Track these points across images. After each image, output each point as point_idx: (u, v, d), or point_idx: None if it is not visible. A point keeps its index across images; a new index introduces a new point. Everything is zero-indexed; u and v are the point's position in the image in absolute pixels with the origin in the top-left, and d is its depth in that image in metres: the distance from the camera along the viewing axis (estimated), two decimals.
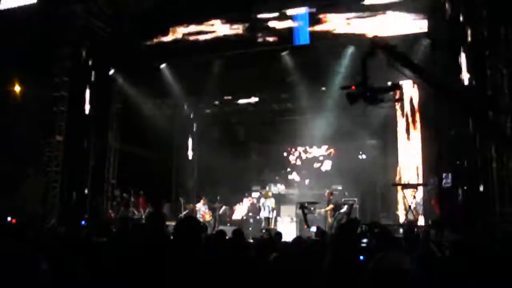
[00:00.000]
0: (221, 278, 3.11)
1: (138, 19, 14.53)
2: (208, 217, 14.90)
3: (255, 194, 16.73)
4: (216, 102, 17.83)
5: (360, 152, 16.63)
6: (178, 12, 13.85)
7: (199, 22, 14.16)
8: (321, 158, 17.95)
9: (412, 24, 12.05)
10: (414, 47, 11.87)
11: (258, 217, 15.37)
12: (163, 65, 15.34)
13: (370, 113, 14.16)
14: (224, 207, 15.74)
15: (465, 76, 10.59)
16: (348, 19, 12.56)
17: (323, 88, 15.13)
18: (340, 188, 15.87)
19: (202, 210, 15.03)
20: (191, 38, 14.29)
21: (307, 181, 17.83)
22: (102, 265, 3.62)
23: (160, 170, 17.31)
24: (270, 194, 15.36)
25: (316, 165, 17.97)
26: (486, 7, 10.32)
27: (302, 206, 13.55)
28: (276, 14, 13.38)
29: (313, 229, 10.90)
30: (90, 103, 15.02)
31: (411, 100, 14.32)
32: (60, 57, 14.42)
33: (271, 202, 14.92)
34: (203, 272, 2.81)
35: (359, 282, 1.73)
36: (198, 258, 2.87)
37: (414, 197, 12.31)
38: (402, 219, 13.38)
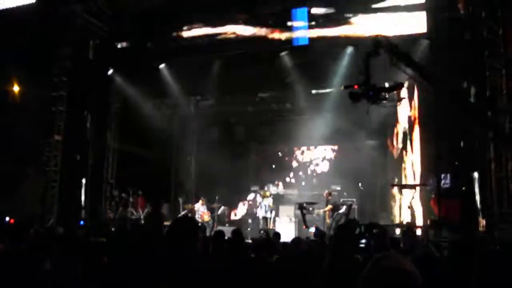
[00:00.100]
0: (221, 278, 3.11)
1: (138, 19, 14.52)
2: (206, 218, 14.89)
3: (251, 197, 16.76)
4: (215, 102, 17.82)
5: (359, 153, 16.61)
6: (178, 12, 13.84)
7: (199, 22, 14.15)
8: (320, 158, 17.95)
9: (412, 24, 12.05)
10: (413, 47, 11.87)
11: (255, 217, 15.37)
12: (162, 65, 15.34)
13: (369, 113, 14.23)
14: (222, 208, 15.74)
15: (465, 76, 10.61)
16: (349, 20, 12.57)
17: (323, 90, 15.14)
18: (339, 188, 15.87)
19: (201, 211, 15.01)
20: (190, 38, 14.28)
21: (305, 182, 17.83)
22: (100, 265, 3.62)
23: (159, 170, 17.29)
24: (268, 193, 15.36)
25: (315, 165, 17.98)
26: (486, 7, 10.33)
27: (301, 207, 13.56)
28: (276, 14, 13.37)
29: (312, 229, 10.92)
30: (89, 103, 15.02)
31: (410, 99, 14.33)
32: (59, 57, 14.41)
33: (268, 202, 14.93)
34: (201, 272, 2.81)
35: (357, 283, 1.73)
36: (195, 258, 2.86)
37: (413, 197, 12.33)
38: (401, 219, 13.39)
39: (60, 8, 14.09)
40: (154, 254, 2.98)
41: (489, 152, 10.03)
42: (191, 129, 18.68)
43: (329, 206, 13.62)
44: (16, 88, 14.57)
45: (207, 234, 11.74)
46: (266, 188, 16.11)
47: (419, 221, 12.35)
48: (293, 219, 14.42)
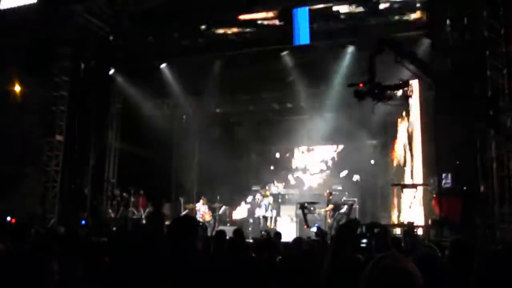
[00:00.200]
0: (221, 278, 3.10)
1: (138, 19, 14.52)
2: (208, 217, 14.88)
3: (250, 199, 16.77)
4: (216, 102, 17.81)
5: (360, 152, 16.59)
6: (178, 12, 13.83)
7: (199, 22, 14.15)
8: (321, 158, 17.94)
9: (412, 24, 12.06)
10: (415, 46, 11.86)
11: (256, 216, 15.38)
12: (163, 65, 15.35)
13: (370, 113, 14.23)
14: (224, 207, 15.73)
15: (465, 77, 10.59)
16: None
17: (323, 88, 15.13)
18: (340, 188, 15.87)
19: (202, 210, 15.00)
20: (191, 38, 14.28)
21: (306, 181, 17.83)
22: (102, 265, 3.61)
23: (160, 169, 17.30)
24: (268, 193, 15.36)
25: (316, 165, 17.96)
26: (487, 6, 10.31)
27: (302, 206, 13.54)
28: (276, 14, 13.36)
29: (314, 229, 10.91)
30: (90, 102, 15.02)
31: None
32: (60, 57, 14.41)
33: (268, 201, 14.93)
34: (202, 272, 2.81)
35: (358, 282, 1.72)
36: (195, 257, 2.86)
37: (414, 197, 12.31)
38: (402, 219, 13.38)
39: (61, 8, 14.09)
40: (155, 254, 2.97)
41: (491, 151, 10.02)
42: (192, 128, 18.67)
43: (330, 206, 13.60)
44: (17, 88, 14.58)
45: (208, 233, 11.73)
46: (267, 188, 16.11)
47: (420, 221, 12.34)
48: (294, 219, 14.41)
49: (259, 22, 13.65)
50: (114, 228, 11.88)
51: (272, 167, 18.17)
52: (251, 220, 15.83)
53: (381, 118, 14.59)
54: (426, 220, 12.06)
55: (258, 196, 15.89)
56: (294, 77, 14.96)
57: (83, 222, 13.68)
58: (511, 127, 9.31)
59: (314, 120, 16.31)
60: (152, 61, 15.28)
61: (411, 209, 12.35)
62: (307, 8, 12.85)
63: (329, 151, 17.76)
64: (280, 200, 16.59)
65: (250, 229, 14.86)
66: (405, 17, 12.33)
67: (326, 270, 2.98)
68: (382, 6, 12.34)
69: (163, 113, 17.40)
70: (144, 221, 13.88)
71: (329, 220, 13.43)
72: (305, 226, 13.12)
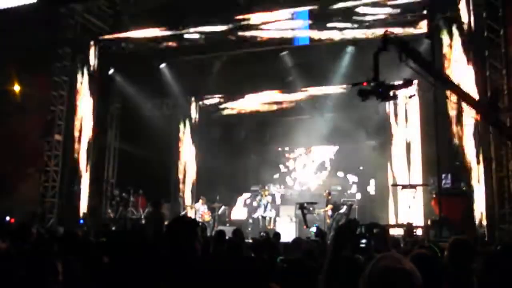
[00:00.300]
0: (221, 278, 3.10)
1: (138, 19, 14.52)
2: (207, 217, 14.86)
3: (249, 199, 16.77)
4: (216, 102, 17.82)
5: (360, 153, 16.58)
6: (178, 12, 13.84)
7: (199, 22, 14.15)
8: (320, 158, 17.93)
9: (412, 24, 12.06)
10: (414, 47, 11.86)
11: (255, 216, 15.39)
12: (162, 65, 15.35)
13: (373, 112, 14.24)
14: (223, 207, 15.71)
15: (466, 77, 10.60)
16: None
17: (323, 89, 15.14)
18: (339, 188, 15.85)
19: (201, 210, 14.98)
20: (191, 38, 14.27)
21: (306, 181, 17.82)
22: (101, 265, 3.61)
23: (159, 169, 17.28)
24: (267, 193, 15.36)
25: (315, 165, 17.96)
26: (487, 6, 10.32)
27: (301, 207, 13.54)
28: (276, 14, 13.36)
29: (313, 229, 10.90)
30: (90, 102, 15.02)
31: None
32: (59, 57, 14.42)
33: (267, 201, 14.93)
34: (201, 272, 2.81)
35: (358, 283, 1.72)
36: (194, 257, 2.86)
37: (414, 197, 12.31)
38: (401, 219, 13.36)
39: (61, 7, 14.11)
40: (154, 254, 2.97)
41: (490, 151, 10.02)
42: (191, 129, 18.64)
43: (330, 206, 13.59)
44: (16, 88, 14.57)
45: (208, 233, 11.73)
46: (266, 188, 16.11)
47: (420, 221, 12.34)
48: (294, 219, 14.39)
49: (259, 22, 13.65)
50: (113, 228, 11.89)
51: (271, 167, 18.16)
52: (250, 221, 15.83)
53: (380, 118, 14.60)
54: (425, 221, 12.06)
55: (257, 196, 15.88)
56: (294, 77, 14.97)
57: (81, 221, 13.68)
58: (510, 127, 9.31)
59: (313, 121, 16.31)
60: (151, 61, 15.28)
61: (410, 210, 12.35)
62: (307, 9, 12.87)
63: (328, 151, 17.75)
64: (279, 200, 16.58)
65: (249, 229, 14.85)
66: (405, 18, 12.34)
67: (326, 270, 2.97)
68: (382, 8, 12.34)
69: (163, 113, 17.39)
70: (143, 221, 13.88)
71: (328, 221, 13.42)
72: (305, 226, 13.12)
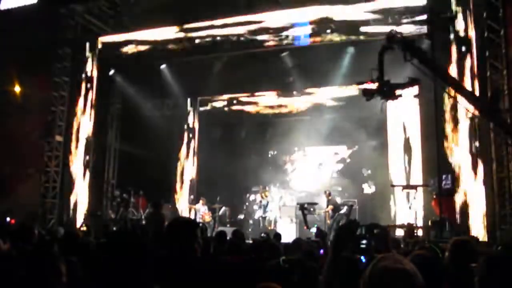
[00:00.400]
0: (221, 278, 3.10)
1: (138, 19, 14.52)
2: (208, 218, 14.86)
3: (249, 200, 16.77)
4: (216, 103, 17.82)
5: (360, 153, 16.58)
6: (178, 12, 13.85)
7: (200, 22, 14.14)
8: (321, 159, 17.92)
9: (412, 24, 12.04)
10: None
11: (255, 217, 15.38)
12: (163, 66, 15.35)
13: (370, 113, 14.21)
14: (224, 208, 15.71)
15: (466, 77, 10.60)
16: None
17: (323, 89, 15.15)
18: (340, 189, 15.85)
19: (202, 211, 14.97)
20: (191, 38, 14.27)
21: (306, 182, 17.80)
22: (101, 266, 3.60)
23: (160, 170, 17.28)
24: (268, 193, 15.36)
25: (316, 165, 17.94)
26: (487, 7, 10.32)
27: (302, 207, 13.53)
28: (276, 15, 13.35)
29: (314, 230, 10.89)
30: (90, 103, 15.03)
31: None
32: (60, 57, 14.43)
33: (268, 201, 14.93)
34: (201, 272, 2.80)
35: (358, 283, 1.72)
36: (194, 257, 2.86)
37: (414, 198, 12.30)
38: (402, 220, 13.35)
39: (61, 8, 14.11)
40: (154, 254, 2.97)
41: (491, 152, 10.02)
42: (191, 129, 18.64)
43: (330, 207, 13.58)
44: (17, 88, 14.58)
45: (208, 234, 11.73)
46: (267, 188, 16.11)
47: (420, 222, 12.32)
48: (294, 220, 14.39)
49: (260, 22, 13.64)
50: (114, 229, 11.88)
51: (271, 168, 18.15)
52: (250, 221, 15.82)
53: (381, 118, 14.58)
54: (425, 221, 12.05)
55: (257, 197, 15.88)
56: (295, 77, 14.97)
57: (81, 222, 13.68)
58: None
59: (313, 121, 16.31)
60: (152, 61, 15.28)
61: (411, 210, 12.34)
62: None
63: (329, 152, 17.74)
64: (280, 201, 16.57)
65: (250, 230, 14.86)
66: (405, 18, 12.32)
67: (326, 271, 2.97)
68: (382, 6, 12.31)
69: (163, 113, 17.39)
70: (143, 222, 13.88)
71: (328, 221, 13.41)
72: (305, 227, 13.11)
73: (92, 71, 15.03)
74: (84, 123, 14.86)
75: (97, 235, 8.10)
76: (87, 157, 14.82)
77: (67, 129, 14.44)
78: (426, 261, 3.01)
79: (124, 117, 16.64)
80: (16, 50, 13.13)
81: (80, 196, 14.53)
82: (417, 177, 13.56)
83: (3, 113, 13.96)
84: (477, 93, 9.97)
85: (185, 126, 18.11)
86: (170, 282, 2.72)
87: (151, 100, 16.46)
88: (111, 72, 15.52)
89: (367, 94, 6.71)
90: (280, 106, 17.30)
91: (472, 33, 10.71)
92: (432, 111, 11.68)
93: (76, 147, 14.67)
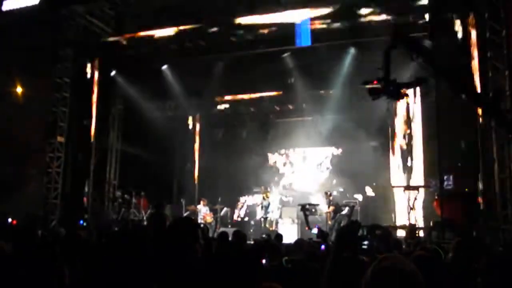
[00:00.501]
0: (221, 279, 3.10)
1: (140, 20, 14.53)
2: (209, 219, 14.85)
3: (250, 201, 16.76)
4: (218, 104, 17.83)
5: (361, 153, 16.57)
6: (179, 13, 13.85)
7: (201, 23, 14.15)
8: (322, 159, 17.92)
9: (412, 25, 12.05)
10: None
11: (257, 218, 15.37)
12: (164, 67, 15.36)
13: (371, 113, 14.22)
14: (225, 209, 15.71)
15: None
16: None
17: (325, 90, 15.14)
18: (341, 190, 15.83)
19: (203, 212, 14.96)
20: (193, 39, 14.28)
21: (308, 183, 17.80)
22: (101, 266, 3.61)
23: (162, 171, 17.30)
24: (269, 194, 15.36)
25: (317, 166, 17.95)
26: (488, 7, 10.31)
27: (303, 208, 13.53)
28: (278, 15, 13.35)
29: (315, 230, 10.88)
30: (92, 104, 15.04)
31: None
32: (61, 58, 14.44)
33: (269, 202, 14.93)
34: (201, 273, 2.81)
35: (361, 283, 1.72)
36: (195, 258, 2.86)
37: (416, 198, 12.29)
38: (403, 221, 13.35)
39: (63, 9, 14.12)
40: (155, 255, 2.97)
41: (492, 153, 10.01)
42: (193, 130, 18.66)
43: (331, 207, 13.58)
44: (18, 89, 14.60)
45: (210, 235, 11.73)
46: (268, 189, 16.11)
47: (422, 223, 12.32)
48: (296, 221, 14.38)
49: (261, 23, 13.64)
50: (116, 229, 11.87)
51: (273, 169, 18.16)
52: (252, 222, 15.82)
53: (382, 119, 14.58)
54: (427, 222, 12.04)
55: (259, 197, 15.88)
56: (296, 78, 14.97)
57: (81, 222, 13.67)
58: None
59: (315, 122, 16.30)
60: (153, 62, 15.29)
61: (412, 211, 12.32)
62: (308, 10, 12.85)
63: (330, 152, 17.74)
64: (281, 202, 16.57)
65: (251, 230, 14.84)
66: (406, 19, 12.32)
67: (328, 271, 2.97)
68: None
69: (165, 114, 17.40)
70: (145, 223, 13.89)
71: (329, 222, 13.40)
72: (307, 228, 13.11)
73: (93, 72, 15.04)
74: (86, 124, 14.87)
75: (99, 235, 8.10)
76: (90, 158, 14.85)
77: (68, 130, 14.45)
78: (427, 262, 3.01)
79: (125, 118, 16.65)
80: (18, 51, 13.15)
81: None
82: (419, 178, 13.56)
83: (4, 114, 13.96)
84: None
85: (186, 127, 18.13)
86: (170, 282, 2.72)
87: (152, 101, 16.46)
88: (113, 73, 15.52)
89: (374, 93, 6.64)
90: (281, 106, 17.31)
91: (473, 34, 10.71)
92: (434, 111, 11.69)
93: (79, 148, 14.68)
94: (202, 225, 10.98)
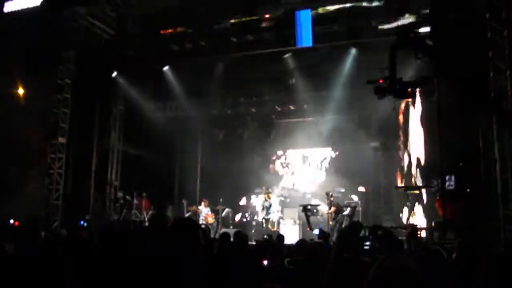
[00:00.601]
0: (221, 279, 3.10)
1: (141, 21, 14.54)
2: (211, 220, 14.85)
3: (252, 202, 16.76)
4: (219, 104, 17.82)
5: (362, 154, 16.56)
6: (181, 14, 13.86)
7: (202, 24, 14.16)
8: (323, 160, 17.91)
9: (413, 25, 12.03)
10: None
11: (258, 218, 15.36)
12: (165, 68, 15.37)
13: (372, 114, 14.23)
14: (227, 210, 15.71)
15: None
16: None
17: (326, 90, 15.13)
18: (343, 190, 15.83)
19: (205, 212, 14.97)
20: (194, 40, 14.29)
21: (309, 183, 17.79)
22: (101, 266, 3.61)
23: (163, 172, 17.30)
24: (270, 195, 15.35)
25: (318, 167, 17.94)
26: (490, 8, 10.30)
27: (305, 209, 13.52)
28: (279, 16, 13.35)
29: (316, 231, 10.88)
30: (93, 105, 15.05)
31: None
32: (63, 59, 14.47)
33: (271, 203, 14.92)
34: (202, 273, 2.81)
35: (362, 284, 1.72)
36: (196, 258, 2.86)
37: (417, 199, 12.29)
38: (405, 221, 13.34)
39: (64, 11, 14.14)
40: (156, 255, 2.98)
41: (494, 153, 10.00)
42: (194, 131, 18.67)
43: (333, 208, 13.56)
44: (20, 91, 14.62)
45: (211, 236, 11.72)
46: (269, 190, 16.10)
47: (424, 223, 12.30)
48: (297, 221, 14.37)
49: (262, 24, 13.64)
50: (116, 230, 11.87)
51: (274, 169, 18.16)
52: (253, 223, 15.82)
53: (383, 119, 14.57)
54: (429, 223, 12.02)
55: (260, 198, 15.87)
56: (297, 79, 14.97)
57: (81, 222, 13.68)
58: None
59: (316, 122, 16.29)
60: (155, 63, 15.30)
61: (414, 211, 12.32)
62: (309, 10, 12.83)
63: (331, 153, 17.73)
64: (282, 203, 16.56)
65: (253, 231, 14.84)
66: (407, 19, 12.30)
67: (329, 272, 2.97)
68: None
69: (166, 115, 17.41)
70: (147, 224, 13.89)
71: (330, 222, 13.38)
72: (308, 228, 13.10)
73: (95, 73, 15.04)
74: (87, 125, 14.88)
75: (100, 236, 8.10)
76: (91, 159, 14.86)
77: (70, 131, 14.47)
78: (428, 262, 3.01)
79: (127, 119, 16.66)
80: (20, 53, 13.17)
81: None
82: (421, 178, 13.55)
83: (6, 115, 13.98)
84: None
85: (187, 128, 18.12)
86: (170, 282, 2.72)
87: (154, 102, 16.48)
88: (114, 74, 15.54)
89: (379, 92, 6.62)
90: (282, 107, 17.31)
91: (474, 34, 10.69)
92: (435, 111, 11.67)
93: (79, 149, 14.69)
94: (203, 226, 10.98)
